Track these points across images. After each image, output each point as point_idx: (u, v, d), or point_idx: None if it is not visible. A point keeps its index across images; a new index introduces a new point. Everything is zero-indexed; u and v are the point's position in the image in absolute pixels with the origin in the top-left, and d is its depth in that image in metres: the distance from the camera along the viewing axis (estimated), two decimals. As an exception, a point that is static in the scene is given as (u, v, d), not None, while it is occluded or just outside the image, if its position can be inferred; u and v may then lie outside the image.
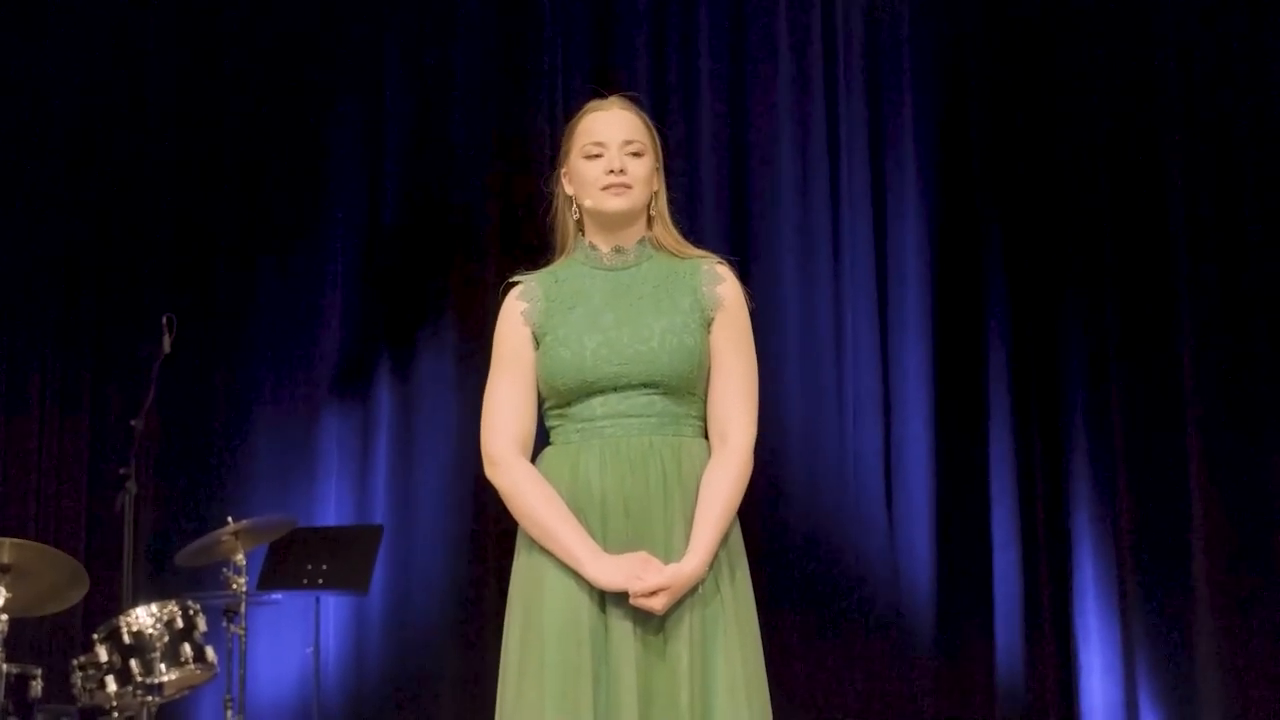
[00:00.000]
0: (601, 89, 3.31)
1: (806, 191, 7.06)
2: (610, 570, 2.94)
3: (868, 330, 6.96)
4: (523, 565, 3.07)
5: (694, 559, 2.97)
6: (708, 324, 3.10)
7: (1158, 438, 6.50)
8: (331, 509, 7.12)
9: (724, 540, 3.03)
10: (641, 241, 3.17)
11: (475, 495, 6.99)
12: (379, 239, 7.32)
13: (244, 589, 5.85)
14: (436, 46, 7.36)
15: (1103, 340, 6.62)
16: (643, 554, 2.96)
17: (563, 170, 3.20)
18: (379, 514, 7.06)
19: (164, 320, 6.13)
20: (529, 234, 7.06)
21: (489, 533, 6.93)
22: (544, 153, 7.15)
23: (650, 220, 3.18)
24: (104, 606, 6.29)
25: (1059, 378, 6.74)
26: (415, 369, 7.20)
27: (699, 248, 3.21)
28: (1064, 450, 6.68)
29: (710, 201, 7.05)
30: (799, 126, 7.10)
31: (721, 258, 3.19)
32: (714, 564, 3.00)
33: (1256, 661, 6.25)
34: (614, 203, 3.11)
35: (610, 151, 3.11)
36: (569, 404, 3.08)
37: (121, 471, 6.07)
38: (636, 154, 3.13)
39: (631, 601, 2.93)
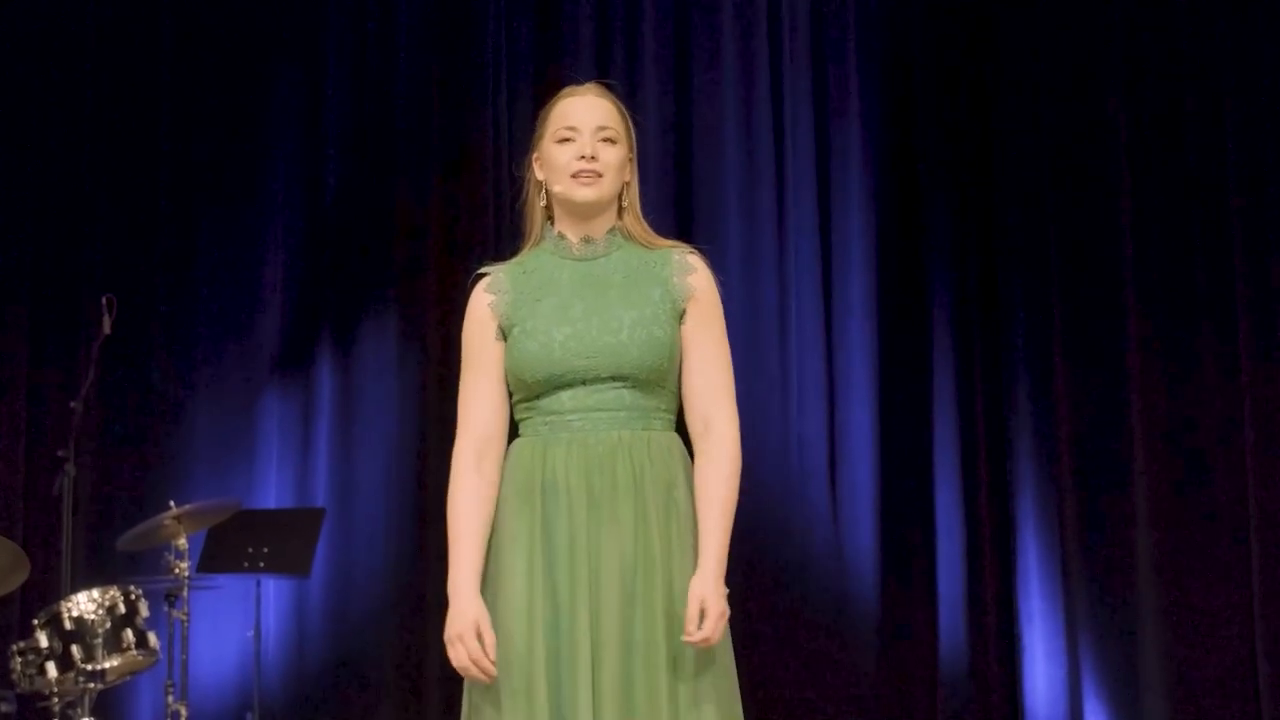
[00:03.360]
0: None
1: (751, 174, 7.04)
2: (456, 621, 2.92)
3: (812, 314, 6.95)
4: (489, 571, 3.02)
5: (713, 566, 3.01)
6: (679, 315, 3.07)
7: (1102, 421, 6.53)
8: (272, 491, 7.04)
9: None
10: (611, 231, 3.12)
11: (417, 478, 6.94)
12: (320, 220, 7.23)
13: (186, 573, 5.78)
14: (379, 20, 7.27)
15: (1047, 324, 6.64)
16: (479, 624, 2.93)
17: (534, 155, 3.14)
18: (320, 497, 7.00)
19: (104, 301, 6.04)
20: (471, 215, 7.12)
21: (431, 516, 6.89)
22: (488, 129, 7.11)
23: (621, 210, 3.12)
24: (42, 591, 6.20)
25: (1003, 361, 6.76)
26: (357, 351, 7.12)
27: (668, 238, 3.17)
28: (1008, 434, 6.70)
29: (653, 183, 7.01)
30: (744, 106, 7.07)
31: (693, 247, 3.15)
32: (693, 558, 3.03)
33: (1199, 642, 6.30)
34: (583, 192, 3.05)
35: (583, 137, 3.05)
36: (537, 396, 3.04)
37: (60, 454, 5.98)
38: (610, 140, 3.07)
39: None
